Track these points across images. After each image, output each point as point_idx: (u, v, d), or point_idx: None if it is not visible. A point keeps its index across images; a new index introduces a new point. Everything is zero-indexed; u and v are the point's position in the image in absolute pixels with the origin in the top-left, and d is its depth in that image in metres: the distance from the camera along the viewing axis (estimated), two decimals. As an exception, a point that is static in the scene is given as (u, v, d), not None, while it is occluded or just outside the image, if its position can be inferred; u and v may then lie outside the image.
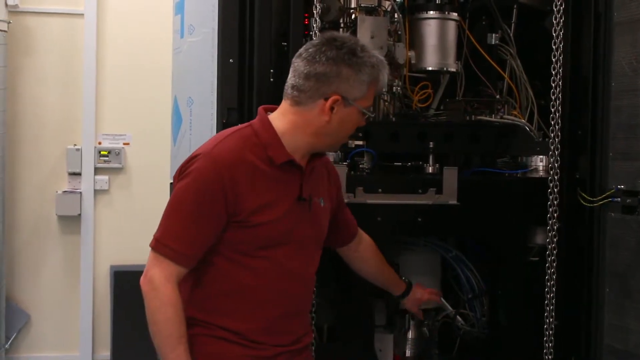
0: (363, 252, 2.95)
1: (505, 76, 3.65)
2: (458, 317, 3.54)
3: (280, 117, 2.47)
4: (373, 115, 2.42)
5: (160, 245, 2.36)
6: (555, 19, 3.22)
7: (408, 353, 3.40)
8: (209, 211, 2.34)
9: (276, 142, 2.42)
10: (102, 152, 6.17)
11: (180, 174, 2.41)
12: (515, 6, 3.71)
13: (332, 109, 2.39)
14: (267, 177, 2.40)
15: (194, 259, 2.38)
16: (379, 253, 3.00)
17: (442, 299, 3.45)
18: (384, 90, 2.41)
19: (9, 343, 6.06)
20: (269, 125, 2.45)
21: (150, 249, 2.39)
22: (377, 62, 2.44)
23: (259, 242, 2.40)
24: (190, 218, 2.35)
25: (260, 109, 2.52)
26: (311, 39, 3.13)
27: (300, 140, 2.44)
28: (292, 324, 2.53)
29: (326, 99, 2.39)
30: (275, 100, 3.18)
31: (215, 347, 2.43)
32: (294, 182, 2.46)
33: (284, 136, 2.44)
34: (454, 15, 3.52)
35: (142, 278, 2.37)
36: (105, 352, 6.18)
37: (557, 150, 3.24)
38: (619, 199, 3.07)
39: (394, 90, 3.47)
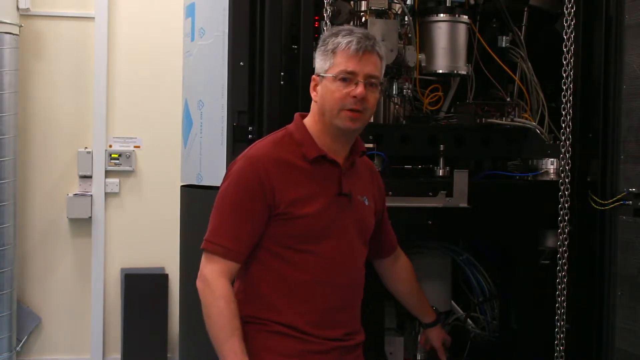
0: (399, 271, 2.97)
1: (516, 79, 3.64)
2: (469, 320, 3.54)
3: (308, 115, 2.61)
4: (345, 75, 2.46)
5: (209, 244, 2.48)
6: (566, 21, 3.22)
7: (419, 356, 3.39)
8: (251, 206, 2.46)
9: (308, 139, 2.54)
10: (112, 155, 6.20)
11: (224, 177, 2.56)
12: (525, 9, 3.71)
13: (316, 89, 2.54)
14: (303, 173, 2.50)
15: (243, 254, 2.49)
16: (415, 277, 3.02)
17: (453, 302, 3.44)
18: (356, 50, 2.44)
19: (20, 345, 6.09)
20: (302, 125, 2.58)
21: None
22: (340, 29, 2.53)
23: (300, 235, 2.49)
24: (234, 215, 2.47)
25: (296, 114, 2.65)
26: (321, 42, 3.14)
27: (318, 129, 2.54)
28: (341, 317, 2.58)
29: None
30: (285, 103, 3.20)
31: (272, 341, 2.50)
32: (332, 178, 2.54)
33: (313, 133, 2.55)
34: (465, 18, 3.52)
35: (197, 280, 2.49)
36: (116, 355, 6.20)
37: (568, 153, 3.24)
38: (630, 201, 3.07)
39: (405, 93, 3.47)
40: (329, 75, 2.48)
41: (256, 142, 2.64)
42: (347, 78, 2.46)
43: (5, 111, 5.73)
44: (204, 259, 2.50)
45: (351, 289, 2.62)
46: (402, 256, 2.98)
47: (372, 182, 2.75)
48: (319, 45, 2.56)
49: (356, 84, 2.46)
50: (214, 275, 2.44)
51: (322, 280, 2.52)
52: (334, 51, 2.48)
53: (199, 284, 2.48)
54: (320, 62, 2.53)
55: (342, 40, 2.47)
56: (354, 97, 2.45)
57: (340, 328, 2.57)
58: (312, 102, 2.57)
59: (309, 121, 2.58)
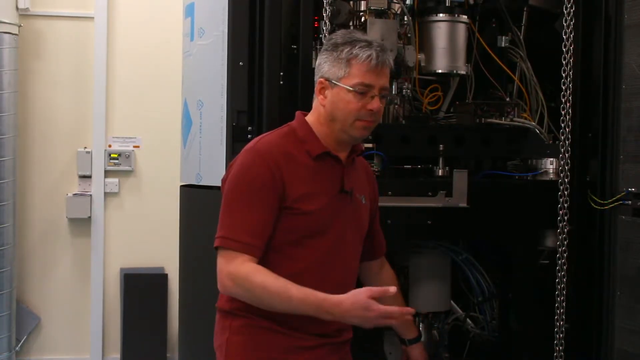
0: (384, 279, 2.91)
1: (516, 79, 3.64)
2: (468, 320, 3.54)
3: (310, 114, 2.59)
4: (363, 89, 2.44)
5: (226, 240, 2.40)
6: (566, 21, 3.22)
7: None
8: (263, 197, 2.42)
9: (312, 136, 2.53)
10: (112, 155, 6.20)
11: (227, 174, 2.52)
12: (525, 8, 3.71)
13: (323, 94, 2.51)
14: (308, 169, 2.49)
15: (260, 249, 2.42)
16: (399, 289, 2.94)
17: (453, 302, 3.44)
18: (376, 64, 2.43)
19: (19, 345, 6.09)
20: (304, 122, 2.56)
21: (217, 251, 2.43)
22: (355, 38, 2.50)
23: (302, 231, 2.47)
24: (248, 210, 2.42)
25: (298, 112, 2.63)
26: (321, 42, 3.14)
27: (323, 131, 2.53)
28: None
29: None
30: (284, 103, 3.20)
31: (261, 337, 2.47)
32: (335, 176, 2.54)
33: (317, 132, 2.54)
34: (464, 17, 3.52)
35: (219, 285, 2.41)
36: (116, 355, 6.20)
37: (568, 152, 3.23)
38: (630, 201, 3.07)
39: (404, 92, 3.47)
40: (343, 85, 2.46)
41: (261, 136, 2.60)
42: (364, 91, 2.46)
43: (4, 111, 5.73)
44: (221, 259, 2.41)
45: (344, 286, 2.58)
46: (388, 265, 2.94)
47: (369, 182, 2.75)
48: (327, 48, 2.52)
49: (372, 98, 2.45)
50: (237, 267, 2.36)
51: (317, 275, 2.50)
52: (349, 61, 2.45)
53: (227, 283, 2.39)
54: (331, 68, 2.48)
55: (361, 53, 2.44)
56: (370, 110, 2.46)
57: (331, 324, 2.53)
58: (317, 103, 2.54)
59: (313, 120, 2.56)
